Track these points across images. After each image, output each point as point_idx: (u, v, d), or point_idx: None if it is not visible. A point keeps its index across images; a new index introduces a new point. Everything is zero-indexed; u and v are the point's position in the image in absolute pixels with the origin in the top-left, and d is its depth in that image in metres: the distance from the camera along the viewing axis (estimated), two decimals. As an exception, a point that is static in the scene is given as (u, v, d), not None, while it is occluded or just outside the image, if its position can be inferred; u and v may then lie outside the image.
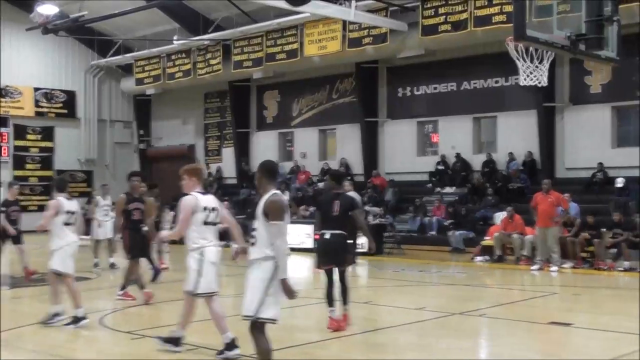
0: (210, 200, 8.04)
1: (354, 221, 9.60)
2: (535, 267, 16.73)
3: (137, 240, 11.85)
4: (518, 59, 11.51)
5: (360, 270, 16.95)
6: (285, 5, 19.88)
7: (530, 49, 11.18)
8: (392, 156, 26.19)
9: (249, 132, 30.73)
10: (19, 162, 31.55)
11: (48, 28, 24.63)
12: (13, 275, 14.64)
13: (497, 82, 23.55)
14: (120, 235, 12.27)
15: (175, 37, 28.08)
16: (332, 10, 21.12)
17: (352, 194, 11.69)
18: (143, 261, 12.62)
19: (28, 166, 31.86)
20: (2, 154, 30.95)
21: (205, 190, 8.18)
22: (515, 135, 23.10)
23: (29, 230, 12.73)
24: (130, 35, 30.62)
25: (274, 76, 27.82)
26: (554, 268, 16.46)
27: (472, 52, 23.10)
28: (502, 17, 19.86)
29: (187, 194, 7.97)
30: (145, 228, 11.95)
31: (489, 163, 23.39)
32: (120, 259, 14.31)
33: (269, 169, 6.32)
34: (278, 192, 6.15)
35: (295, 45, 25.29)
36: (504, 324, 10.24)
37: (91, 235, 17.53)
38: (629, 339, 8.93)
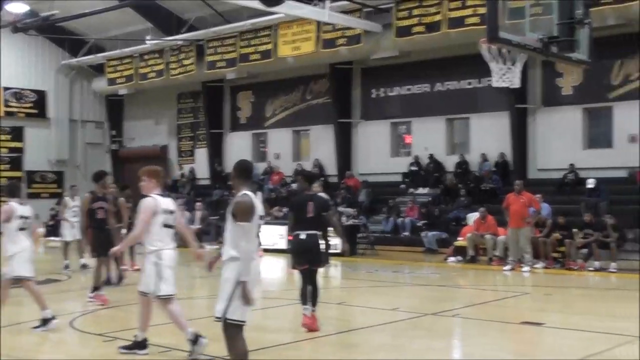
0: (168, 202, 8.01)
1: (328, 222, 9.66)
2: (507, 267, 16.84)
3: (101, 239, 11.72)
4: (491, 61, 11.56)
5: (333, 271, 16.95)
6: (259, 6, 19.84)
7: (503, 50, 11.24)
8: (365, 157, 26.23)
9: (222, 133, 30.60)
10: (-13, 163, 31.15)
11: (17, 27, 24.32)
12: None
13: (470, 83, 23.69)
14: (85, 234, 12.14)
15: (148, 37, 27.87)
16: (306, 11, 21.10)
17: (322, 195, 11.68)
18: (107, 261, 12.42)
19: (-3, 167, 31.47)
20: (-29, 155, 30.54)
21: (173, 192, 8.13)
22: (488, 137, 23.25)
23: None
24: (102, 35, 30.32)
25: (247, 77, 27.75)
26: (526, 268, 16.59)
27: (445, 54, 23.20)
28: (476, 19, 19.99)
29: (145, 196, 7.92)
30: (121, 229, 11.82)
31: (462, 164, 23.51)
32: (92, 260, 14.14)
33: (243, 169, 6.27)
34: (248, 192, 6.05)
35: (269, 46, 25.24)
36: (477, 324, 10.29)
37: (61, 237, 17.33)
38: (599, 338, 9.03)
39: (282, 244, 19.70)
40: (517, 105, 22.08)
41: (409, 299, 13.21)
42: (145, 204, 7.80)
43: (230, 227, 5.95)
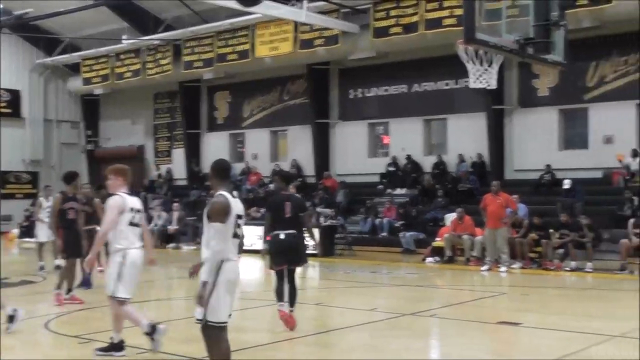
0: (135, 201, 7.98)
1: (304, 222, 9.71)
2: (484, 267, 16.91)
3: (70, 240, 11.61)
4: (468, 62, 11.60)
5: (311, 272, 16.92)
6: (237, 6, 19.79)
7: (480, 52, 11.29)
8: (343, 157, 26.24)
9: (199, 133, 30.47)
10: (-41, 163, 30.71)
11: (-9, 25, 24.08)
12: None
13: (447, 84, 23.80)
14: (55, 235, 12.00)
15: (124, 37, 27.69)
16: (284, 12, 21.09)
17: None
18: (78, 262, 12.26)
19: (-31, 167, 31.05)
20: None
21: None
22: (465, 137, 23.36)
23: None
24: (78, 34, 30.06)
25: (225, 77, 27.66)
26: (503, 268, 16.66)
27: (423, 55, 23.28)
28: (453, 20, 20.09)
29: (113, 194, 7.89)
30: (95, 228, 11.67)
31: (439, 165, 23.60)
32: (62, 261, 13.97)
33: (220, 169, 6.21)
34: (224, 193, 5.97)
35: (246, 46, 25.18)
36: (454, 324, 10.31)
37: (35, 238, 17.13)
38: (576, 337, 9.08)
39: (260, 245, 19.61)
40: (493, 106, 22.22)
41: (386, 299, 13.22)
42: (112, 202, 7.77)
43: (206, 228, 5.92)
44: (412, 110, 24.53)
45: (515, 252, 17.23)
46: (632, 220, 16.38)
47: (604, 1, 18.42)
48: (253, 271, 17.12)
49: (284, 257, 9.39)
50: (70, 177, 12.11)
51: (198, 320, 5.88)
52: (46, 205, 17.36)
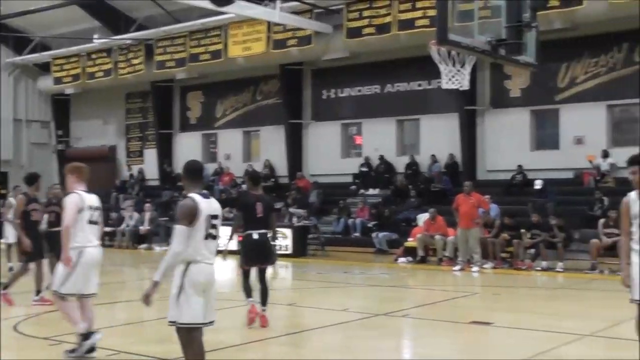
0: (93, 199, 7.93)
1: (273, 222, 9.89)
2: (457, 267, 16.99)
3: (32, 241, 11.46)
4: (440, 63, 11.64)
5: (284, 272, 16.88)
6: (210, 6, 19.69)
7: (453, 52, 11.34)
8: (316, 158, 26.23)
9: (171, 133, 30.28)
10: None
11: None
12: None
13: (420, 85, 23.90)
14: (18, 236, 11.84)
15: (95, 36, 27.43)
16: (257, 12, 21.04)
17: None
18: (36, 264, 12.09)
19: (-63, 168, 30.55)
20: None
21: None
22: (438, 138, 23.46)
23: None
24: (48, 33, 29.72)
25: (197, 77, 27.54)
26: (475, 268, 16.76)
27: (396, 55, 23.35)
28: (426, 21, 20.18)
29: (70, 192, 7.84)
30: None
31: (412, 165, 23.68)
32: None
33: (193, 170, 6.08)
34: (194, 195, 5.80)
35: (219, 46, 25.07)
36: (427, 324, 10.34)
37: (4, 239, 16.88)
38: (546, 336, 9.15)
39: (233, 245, 19.51)
40: (466, 107, 22.35)
41: (359, 300, 13.22)
42: (69, 200, 7.74)
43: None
44: (385, 110, 24.59)
45: (487, 252, 17.32)
46: (602, 221, 16.55)
47: (575, 3, 18.62)
48: (226, 271, 17.01)
49: (257, 257, 9.47)
50: (32, 179, 11.90)
51: (170, 322, 5.81)
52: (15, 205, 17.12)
